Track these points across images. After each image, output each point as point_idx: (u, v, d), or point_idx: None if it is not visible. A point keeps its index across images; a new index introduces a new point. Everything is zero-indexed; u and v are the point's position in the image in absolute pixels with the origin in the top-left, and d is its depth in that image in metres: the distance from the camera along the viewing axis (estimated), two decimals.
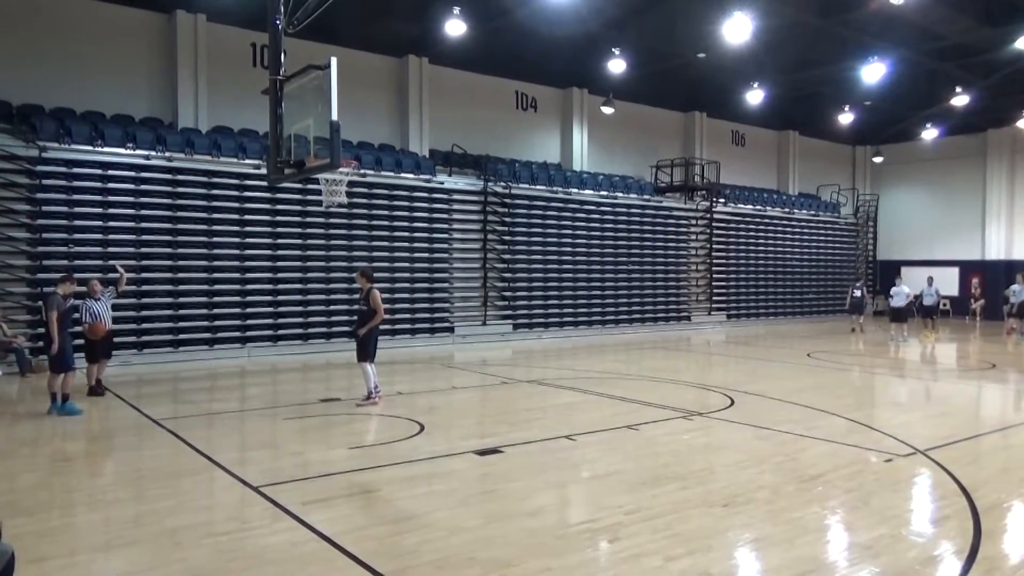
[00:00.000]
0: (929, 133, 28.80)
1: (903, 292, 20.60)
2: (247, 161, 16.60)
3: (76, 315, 10.77)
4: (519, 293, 20.97)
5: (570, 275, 22.01)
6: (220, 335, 16.15)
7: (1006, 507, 6.14)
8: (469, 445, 8.00)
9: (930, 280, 25.53)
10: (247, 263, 16.55)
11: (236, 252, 16.41)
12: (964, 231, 30.57)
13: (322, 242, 17.48)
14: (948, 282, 27.41)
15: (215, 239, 16.14)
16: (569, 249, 21.94)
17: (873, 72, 20.41)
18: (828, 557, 5.12)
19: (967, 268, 29.73)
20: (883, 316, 23.52)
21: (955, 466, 7.14)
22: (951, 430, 9.00)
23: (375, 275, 13.02)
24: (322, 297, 17.46)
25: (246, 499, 6.20)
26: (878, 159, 32.83)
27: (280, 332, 16.87)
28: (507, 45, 20.09)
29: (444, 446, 7.96)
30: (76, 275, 10.93)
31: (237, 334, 16.35)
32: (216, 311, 16.15)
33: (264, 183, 15.67)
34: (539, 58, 21.18)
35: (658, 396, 11.17)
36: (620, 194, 23.43)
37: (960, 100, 23.56)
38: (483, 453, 7.64)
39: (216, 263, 16.16)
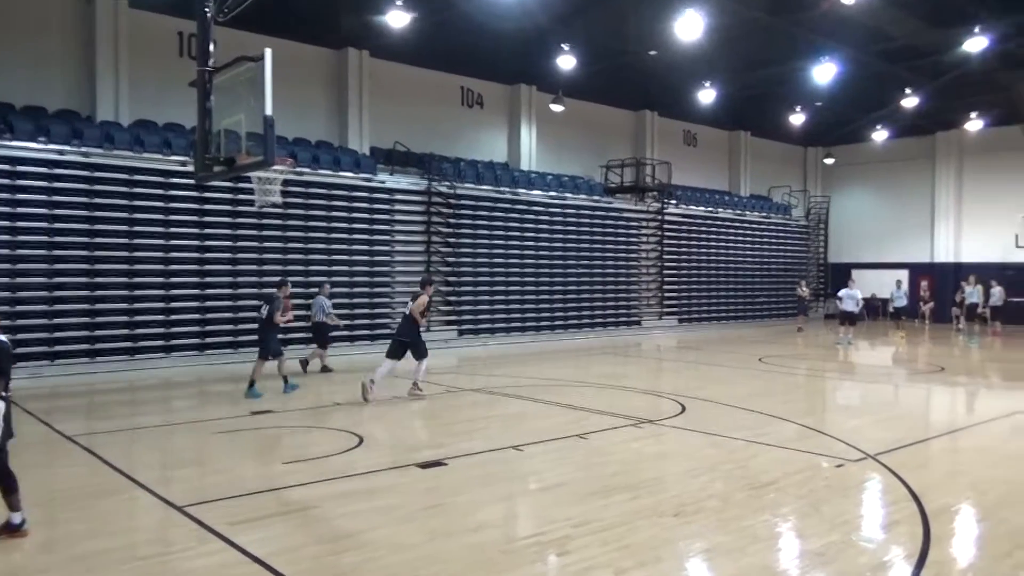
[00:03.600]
0: (879, 135, 29.83)
1: (853, 295, 21.30)
2: (173, 157, 16.19)
3: None
4: (464, 298, 20.94)
5: (517, 279, 22.08)
6: (142, 344, 15.69)
7: (954, 511, 6.39)
8: (411, 458, 7.95)
9: (899, 283, 26.72)
10: (172, 267, 16.12)
11: (160, 255, 15.98)
12: (914, 233, 31.73)
13: (254, 244, 17.15)
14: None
15: (136, 241, 15.68)
16: (517, 252, 22.00)
17: (824, 72, 21.06)
18: (779, 565, 5.25)
19: (917, 270, 30.86)
20: (834, 319, 24.24)
21: (905, 470, 7.40)
22: (901, 434, 9.32)
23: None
24: (255, 303, 17.13)
25: (169, 520, 6.04)
26: (829, 160, 33.88)
27: (208, 340, 16.48)
28: (452, 38, 20.07)
29: (385, 459, 7.89)
30: None
31: (160, 343, 15.92)
32: (137, 318, 15.69)
33: (191, 181, 15.27)
34: (486, 53, 21.23)
35: (608, 403, 11.27)
36: (569, 195, 23.61)
37: (909, 102, 24.48)
38: (426, 466, 7.60)
39: (138, 267, 15.70)
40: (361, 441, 8.74)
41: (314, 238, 18.11)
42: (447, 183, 20.59)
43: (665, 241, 26.42)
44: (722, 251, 28.64)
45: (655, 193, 26.27)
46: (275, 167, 8.91)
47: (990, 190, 29.60)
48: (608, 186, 25.75)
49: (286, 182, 13.22)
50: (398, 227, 19.80)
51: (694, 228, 27.61)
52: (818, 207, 34.11)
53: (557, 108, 23.77)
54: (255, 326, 16.79)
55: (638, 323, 25.32)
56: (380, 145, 21.00)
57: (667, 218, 26.47)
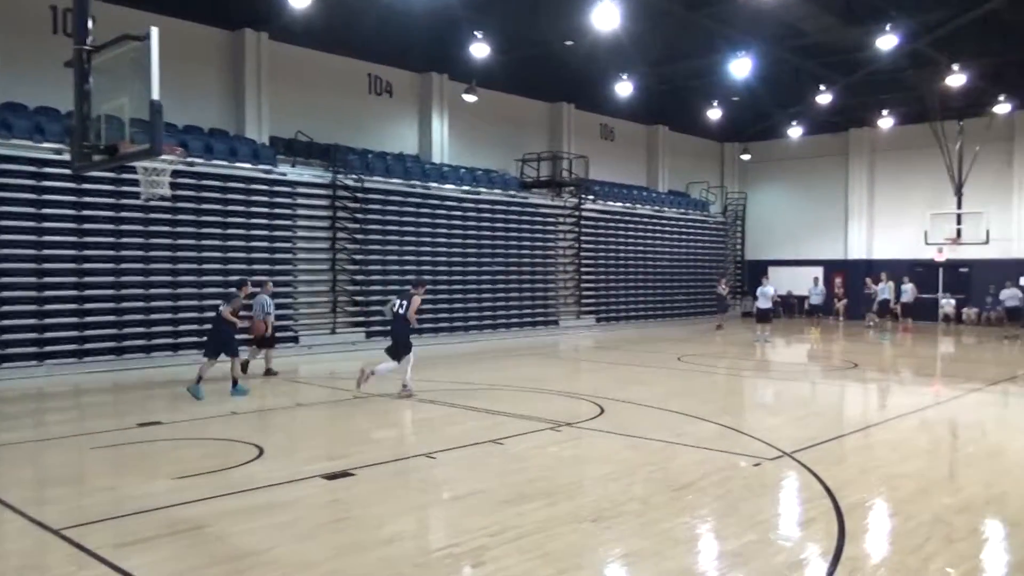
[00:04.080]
0: (795, 131, 31.11)
1: (767, 293, 22.20)
2: (46, 144, 15.37)
3: None
4: (372, 298, 20.68)
5: (429, 277, 21.93)
6: (11, 351, 14.84)
7: (868, 506, 6.74)
8: (316, 469, 7.81)
9: (816, 280, 27.99)
10: (45, 265, 15.30)
11: (32, 252, 15.15)
12: (828, 230, 33.25)
13: (140, 240, 16.47)
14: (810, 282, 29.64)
15: (4, 236, 14.82)
16: (429, 249, 21.90)
17: (740, 67, 21.81)
18: (698, 567, 5.42)
19: (831, 267, 32.33)
20: (751, 317, 25.16)
21: (820, 467, 7.76)
22: (816, 431, 9.76)
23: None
24: (140, 305, 16.47)
25: (44, 544, 5.74)
26: (746, 156, 35.14)
27: (87, 347, 15.73)
28: (359, 22, 19.80)
29: (286, 471, 7.73)
30: None
31: (33, 349, 15.09)
32: (5, 323, 14.83)
33: (67, 171, 14.54)
34: (395, 38, 21.03)
35: (525, 407, 11.36)
36: (484, 189, 23.67)
37: (823, 99, 25.62)
38: (332, 477, 7.48)
39: (5, 265, 14.84)
40: (261, 452, 8.53)
41: (208, 235, 17.53)
42: (354, 176, 20.30)
43: (582, 238, 26.80)
44: (640, 248, 29.27)
45: (572, 188, 26.61)
46: (163, 156, 8.60)
47: (901, 188, 31.30)
48: (524, 180, 25.94)
49: (176, 173, 12.77)
50: (301, 223, 19.40)
51: (612, 224, 28.11)
52: (735, 204, 35.31)
53: (470, 98, 23.78)
54: (140, 330, 16.31)
55: (555, 323, 25.60)
56: (280, 135, 20.52)
57: (584, 214, 26.86)
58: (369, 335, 20.32)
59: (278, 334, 18.18)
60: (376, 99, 23.33)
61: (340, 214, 20.07)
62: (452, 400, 12.03)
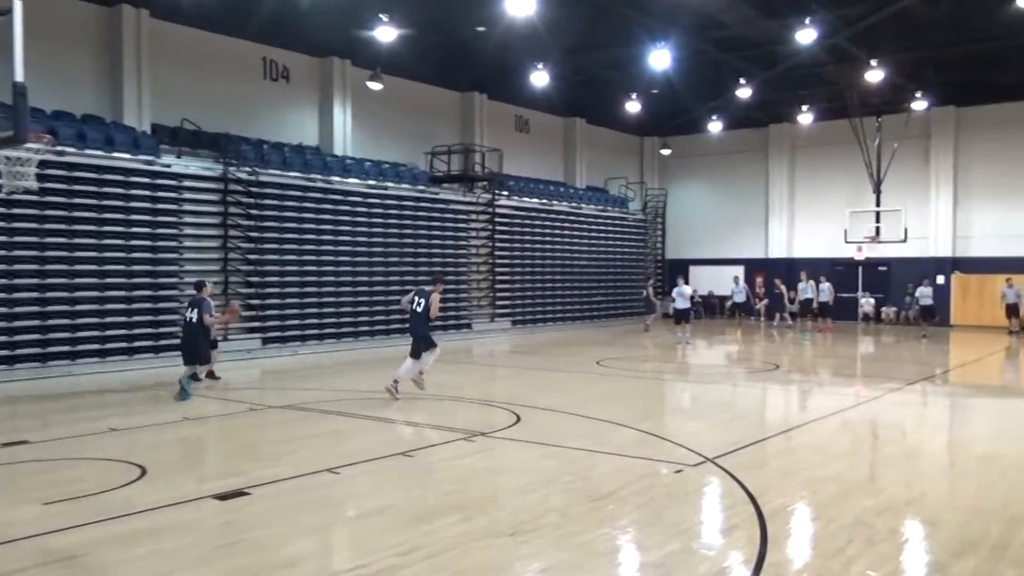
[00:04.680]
0: (715, 126, 32.04)
1: (685, 293, 22.75)
2: None
3: None
4: (269, 301, 20.26)
5: (332, 279, 21.66)
6: None
7: (790, 511, 7.00)
8: (206, 488, 7.59)
9: (736, 279, 28.83)
10: None
11: None
12: (749, 228, 34.38)
13: (3, 239, 15.66)
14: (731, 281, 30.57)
15: None
16: (331, 248, 21.59)
17: (659, 59, 22.32)
18: None
19: (752, 266, 33.44)
20: (670, 318, 25.77)
21: (742, 472, 8.01)
22: (738, 435, 10.08)
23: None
24: (3, 311, 15.66)
25: None
26: (666, 151, 36.00)
27: None
28: (252, 0, 19.36)
29: (173, 492, 7.48)
30: None
31: None
32: None
33: None
34: (292, 18, 20.63)
35: (436, 416, 11.34)
36: (390, 184, 23.49)
37: (743, 93, 26.49)
38: (224, 497, 7.28)
39: None
40: (143, 472, 8.23)
41: (81, 232, 16.81)
42: (247, 168, 19.83)
43: (496, 236, 26.91)
44: (558, 247, 29.59)
45: (485, 183, 26.69)
46: (28, 145, 8.20)
47: (821, 185, 32.63)
48: (434, 175, 25.86)
49: (43, 163, 12.23)
50: (188, 219, 18.83)
51: (528, 222, 28.32)
52: (655, 200, 36.10)
53: (375, 86, 23.56)
54: (2, 339, 15.51)
55: (468, 326, 25.62)
56: (164, 122, 19.86)
57: (498, 210, 26.98)
58: (265, 342, 19.87)
59: (158, 342, 17.71)
60: (272, 85, 22.86)
61: (232, 210, 19.56)
62: (358, 410, 11.89)
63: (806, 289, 26.65)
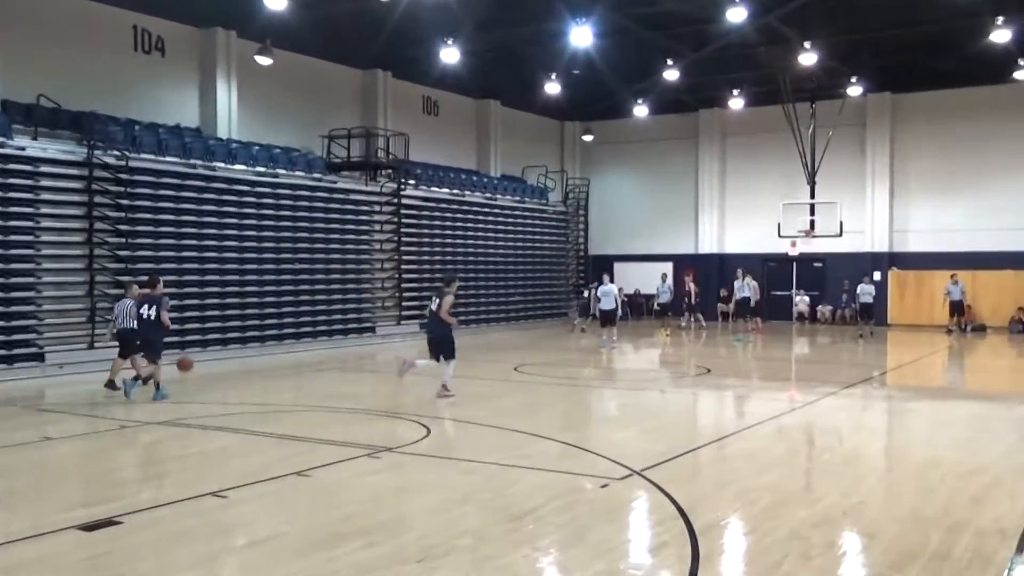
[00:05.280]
0: (641, 110, 32.53)
1: (611, 292, 23.04)
2: None
3: None
4: None
5: (216, 278, 21.17)
6: None
7: (723, 525, 7.17)
8: (69, 518, 7.32)
9: (664, 277, 29.30)
10: None
11: None
12: (679, 222, 35.10)
13: None
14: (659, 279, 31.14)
15: None
16: (214, 243, 21.11)
17: (580, 36, 22.54)
18: None
19: (681, 262, 34.10)
20: (593, 319, 26.08)
21: (672, 485, 8.16)
22: (668, 445, 10.27)
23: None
24: None
25: None
26: (588, 137, 36.40)
27: None
28: None
29: (28, 523, 7.19)
30: None
31: None
32: None
33: None
34: None
35: (336, 431, 11.24)
36: (283, 171, 23.12)
37: (671, 74, 27.01)
38: (91, 528, 7.04)
39: None
40: None
41: None
42: (116, 152, 19.23)
43: (403, 230, 26.76)
44: (471, 242, 29.60)
45: (390, 171, 26.51)
46: None
47: (753, 175, 33.54)
48: (332, 161, 25.56)
49: None
50: (45, 210, 18.13)
51: (437, 214, 28.25)
52: (577, 191, 36.48)
53: (265, 61, 23.14)
54: None
55: (372, 330, 25.42)
56: (16, 98, 19.08)
57: (405, 202, 26.83)
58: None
59: (11, 351, 17.04)
60: (144, 58, 22.19)
61: (98, 200, 18.91)
62: (247, 425, 11.69)
63: (743, 287, 27.15)
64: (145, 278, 15.58)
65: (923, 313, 29.59)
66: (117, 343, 14.96)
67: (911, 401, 15.17)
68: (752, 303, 27.73)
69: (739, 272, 27.55)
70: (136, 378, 13.93)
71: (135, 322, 14.48)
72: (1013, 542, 6.49)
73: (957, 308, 28.03)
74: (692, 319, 29.57)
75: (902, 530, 6.88)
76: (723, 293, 30.66)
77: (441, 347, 13.90)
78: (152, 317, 13.86)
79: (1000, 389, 16.88)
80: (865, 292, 27.09)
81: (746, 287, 27.34)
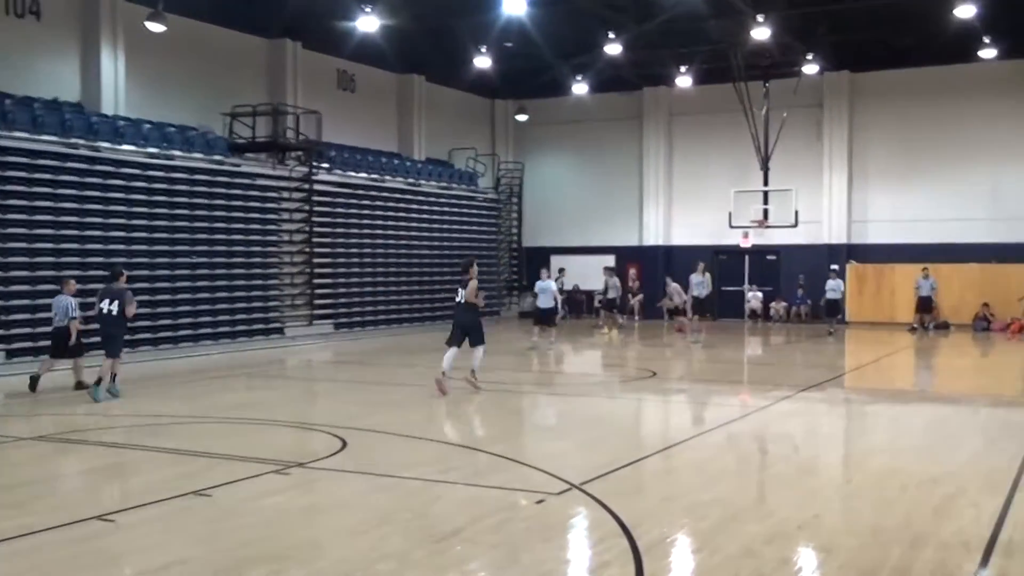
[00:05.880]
0: (580, 87, 32.75)
1: (549, 289, 23.09)
2: None
3: None
4: (13, 303, 19.19)
5: (100, 273, 20.60)
6: None
7: (669, 542, 7.27)
8: None
9: (610, 271, 29.51)
10: None
11: None
12: (621, 211, 35.42)
13: None
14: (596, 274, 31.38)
15: None
16: (99, 234, 20.71)
17: (514, 5, 22.59)
18: None
19: (624, 255, 34.43)
20: (529, 317, 26.13)
21: (614, 500, 8.23)
22: (610, 456, 10.36)
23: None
24: None
25: None
26: (522, 117, 36.48)
27: None
28: None
29: None
30: None
31: None
32: None
33: None
34: None
35: (239, 445, 11.14)
36: (178, 152, 22.77)
37: (613, 49, 27.22)
38: None
39: None
40: None
41: None
42: None
43: (315, 219, 26.54)
44: (391, 232, 29.44)
45: (300, 153, 26.27)
46: None
47: (702, 159, 34.05)
48: (234, 142, 25.23)
49: None
50: None
51: (353, 201, 28.06)
52: (510, 176, 36.58)
53: (157, 28, 22.70)
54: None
55: (279, 331, 25.17)
56: None
57: (317, 187, 26.59)
58: (10, 355, 18.78)
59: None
60: (16, 22, 21.61)
61: None
62: (138, 440, 11.55)
63: (702, 283, 26.89)
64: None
65: (883, 309, 30.29)
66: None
67: (871, 405, 15.56)
68: (683, 301, 28.03)
69: (699, 266, 27.38)
70: (98, 382, 14.46)
71: (68, 320, 15.14)
72: (977, 556, 6.69)
73: (925, 304, 28.49)
74: (623, 316, 29.68)
75: (860, 544, 7.05)
76: (669, 289, 30.94)
77: (469, 333, 15.18)
78: (114, 312, 14.41)
79: (964, 391, 17.40)
80: (832, 288, 27.42)
81: (706, 283, 27.17)
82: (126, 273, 15.67)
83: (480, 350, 15.30)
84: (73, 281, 16.04)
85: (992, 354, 24.11)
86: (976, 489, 8.88)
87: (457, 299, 15.43)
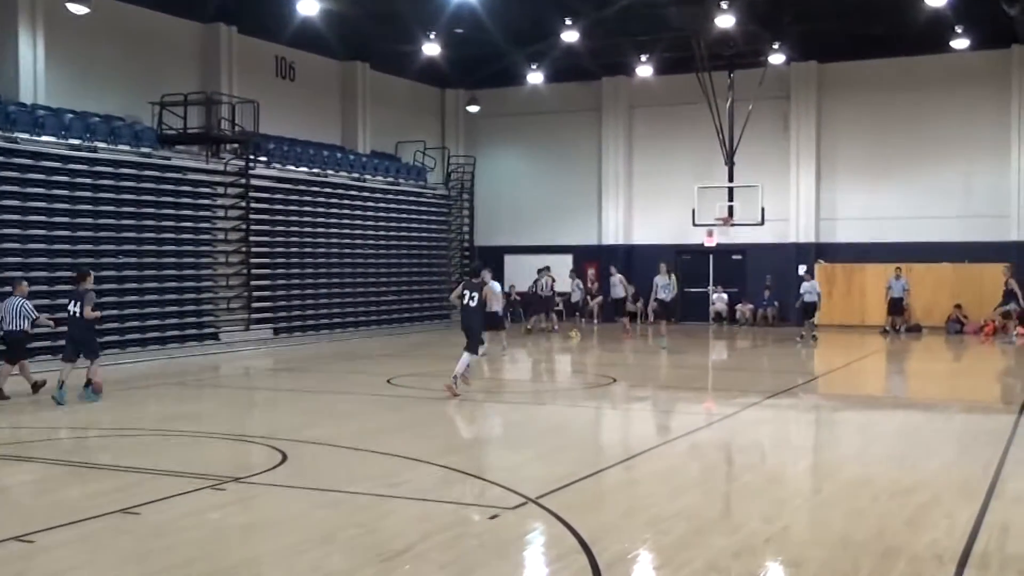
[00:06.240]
0: (535, 77, 32.81)
1: (495, 291, 22.86)
2: None
3: None
4: None
5: (19, 274, 20.21)
6: None
7: (631, 558, 7.29)
8: None
9: (573, 273, 29.55)
10: None
11: None
12: (579, 207, 35.56)
13: None
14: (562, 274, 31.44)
15: None
16: (16, 232, 20.58)
17: None
18: None
19: (582, 255, 34.53)
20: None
21: (573, 514, 8.24)
22: (568, 468, 10.37)
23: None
24: None
25: None
26: (474, 108, 36.48)
27: None
28: None
29: None
30: None
31: None
32: None
33: None
34: None
35: (171, 459, 11.01)
36: (103, 144, 22.59)
37: (570, 36, 27.31)
38: None
39: None
40: None
41: None
42: None
43: (252, 216, 26.39)
44: (334, 230, 29.34)
45: (236, 146, 26.11)
46: None
47: (664, 154, 34.26)
48: (165, 133, 24.98)
49: None
50: None
51: (294, 197, 27.95)
52: (461, 171, 36.55)
53: (79, 10, 22.49)
54: None
55: (214, 337, 25.01)
56: None
57: (254, 182, 26.46)
58: None
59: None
60: None
61: None
62: (59, 454, 11.39)
63: (667, 286, 26.68)
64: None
65: (853, 312, 30.65)
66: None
67: (841, 412, 15.74)
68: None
69: (662, 267, 27.29)
70: (87, 384, 15.11)
71: (27, 323, 15.66)
72: (951, 568, 6.79)
73: (897, 306, 28.80)
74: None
75: (831, 557, 7.13)
76: (632, 289, 31.07)
77: (468, 337, 15.89)
78: (78, 314, 14.98)
79: (937, 397, 17.64)
80: (808, 290, 27.38)
81: (671, 285, 26.99)
82: (92, 274, 15.96)
83: (466, 358, 15.75)
84: (25, 283, 16.26)
85: (966, 358, 24.51)
86: (950, 498, 9.02)
87: (467, 302, 15.88)
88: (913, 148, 31.19)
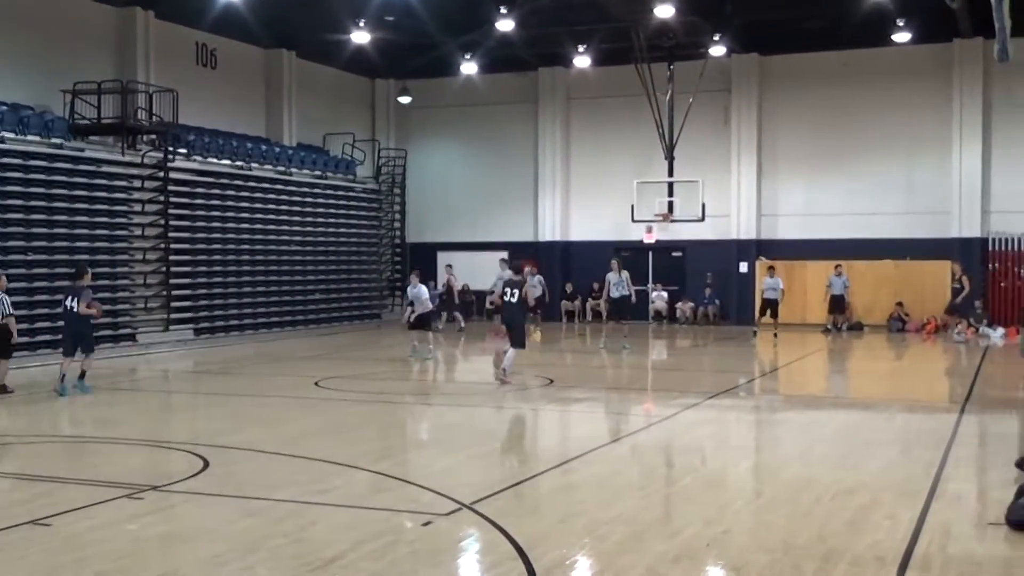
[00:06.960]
0: (469, 67, 32.81)
1: (421, 295, 22.52)
2: None
3: None
4: None
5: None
6: None
7: (569, 564, 7.33)
8: None
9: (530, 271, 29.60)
10: None
11: None
12: (515, 203, 35.64)
13: None
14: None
15: None
16: None
17: None
18: None
19: (518, 251, 34.50)
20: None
21: (509, 520, 8.28)
22: (503, 472, 10.45)
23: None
24: None
25: None
26: (405, 99, 36.38)
27: None
28: None
29: None
30: None
31: None
32: None
33: None
34: None
35: (84, 467, 10.94)
36: (10, 135, 22.23)
37: (505, 24, 27.34)
38: None
39: None
40: None
41: None
42: None
43: (171, 211, 26.10)
44: (258, 226, 29.11)
45: (154, 137, 25.83)
46: None
47: (602, 148, 34.51)
48: (77, 123, 24.64)
49: None
50: None
51: (215, 191, 27.72)
52: (392, 164, 36.44)
53: None
54: None
55: (131, 338, 24.71)
56: None
57: (173, 176, 26.17)
58: None
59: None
60: None
61: None
62: None
63: (620, 283, 26.25)
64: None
65: (795, 310, 31.00)
66: None
67: (782, 412, 16.00)
68: (632, 300, 28.04)
69: (614, 264, 26.83)
70: (82, 375, 16.17)
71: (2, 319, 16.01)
72: (892, 569, 6.94)
73: (838, 304, 29.35)
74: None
75: (772, 561, 7.23)
76: (595, 287, 31.14)
77: (511, 333, 17.18)
78: (75, 310, 15.96)
79: (879, 396, 17.99)
80: (770, 287, 27.27)
81: (624, 283, 26.52)
82: (90, 271, 17.09)
83: (513, 353, 16.98)
84: (4, 277, 16.73)
85: (907, 356, 25.03)
86: (891, 499, 9.20)
87: (508, 299, 17.26)
88: (855, 143, 31.71)
